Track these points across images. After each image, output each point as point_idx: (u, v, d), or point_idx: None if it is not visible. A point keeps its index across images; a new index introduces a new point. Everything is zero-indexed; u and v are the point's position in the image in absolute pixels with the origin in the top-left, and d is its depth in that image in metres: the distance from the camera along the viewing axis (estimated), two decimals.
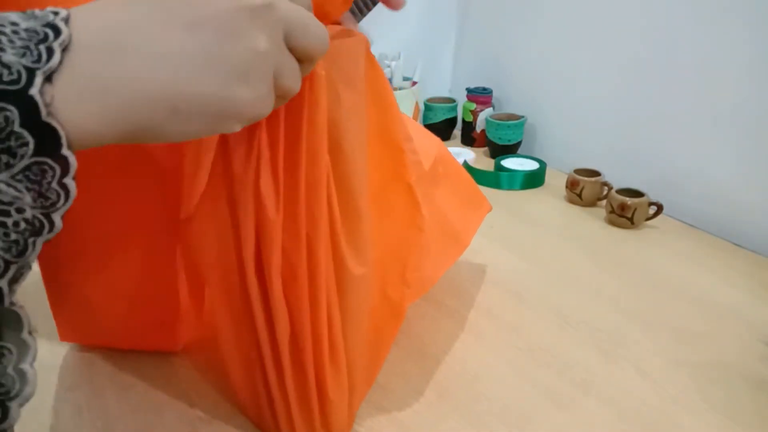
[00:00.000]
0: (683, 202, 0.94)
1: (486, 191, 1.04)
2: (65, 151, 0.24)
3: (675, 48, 0.92)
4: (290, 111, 0.39)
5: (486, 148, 1.22)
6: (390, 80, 1.19)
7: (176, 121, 0.29)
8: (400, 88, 1.20)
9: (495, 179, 1.05)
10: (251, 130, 0.39)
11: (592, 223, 0.93)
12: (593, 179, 0.97)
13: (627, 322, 0.68)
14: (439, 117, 1.28)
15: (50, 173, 0.24)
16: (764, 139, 0.83)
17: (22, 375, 0.24)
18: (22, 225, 0.24)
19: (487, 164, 1.15)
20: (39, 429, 0.51)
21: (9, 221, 0.23)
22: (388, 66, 1.19)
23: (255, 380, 0.48)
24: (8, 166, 0.23)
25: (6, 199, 0.23)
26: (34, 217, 0.24)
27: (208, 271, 0.47)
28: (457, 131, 1.32)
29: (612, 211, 0.91)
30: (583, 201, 0.98)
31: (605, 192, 0.97)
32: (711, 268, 0.80)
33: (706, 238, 0.89)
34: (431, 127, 1.29)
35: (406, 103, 1.19)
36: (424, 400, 0.55)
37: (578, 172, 0.99)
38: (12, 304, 0.24)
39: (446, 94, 1.38)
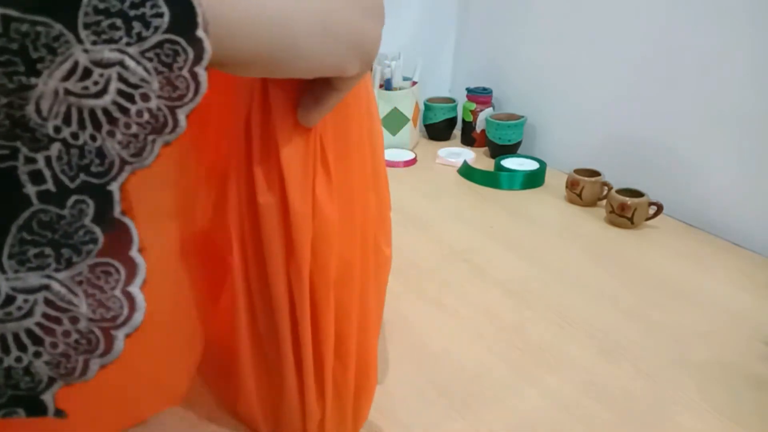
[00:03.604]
0: (683, 202, 0.94)
1: (486, 191, 1.04)
2: (200, 33, 0.22)
3: (675, 48, 0.92)
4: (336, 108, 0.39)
5: (486, 148, 1.22)
6: (390, 80, 1.19)
7: (319, 45, 0.29)
8: (400, 88, 1.20)
9: (495, 179, 1.05)
10: (307, 133, 0.38)
11: (592, 223, 0.93)
12: (593, 179, 0.96)
13: (627, 322, 0.68)
14: (439, 117, 1.28)
15: (182, 57, 0.22)
16: (764, 140, 0.83)
17: (130, 299, 0.22)
18: (145, 116, 0.22)
19: (487, 164, 1.15)
20: None
21: (133, 109, 0.21)
22: (388, 66, 1.18)
23: (260, 386, 0.47)
24: (140, 38, 0.21)
25: (133, 80, 0.21)
26: (158, 108, 0.22)
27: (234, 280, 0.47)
28: (457, 131, 1.32)
29: (612, 211, 0.91)
30: (583, 201, 0.98)
31: (605, 192, 0.97)
32: (711, 268, 0.80)
33: (706, 238, 0.89)
34: (431, 127, 1.29)
35: (406, 103, 1.19)
36: (425, 400, 0.55)
37: (578, 172, 0.99)
38: (122, 213, 0.22)
39: (446, 94, 1.38)
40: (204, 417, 0.52)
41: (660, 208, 0.92)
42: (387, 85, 1.19)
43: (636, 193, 0.91)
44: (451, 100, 1.30)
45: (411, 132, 1.21)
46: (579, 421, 0.53)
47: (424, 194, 1.01)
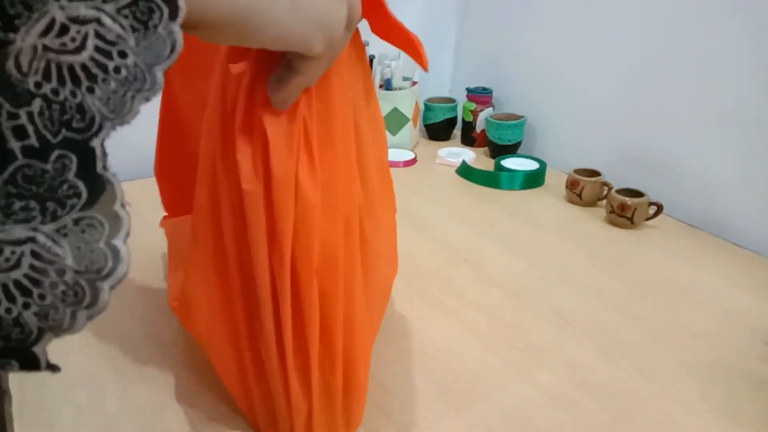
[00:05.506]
0: (683, 202, 0.94)
1: (486, 191, 1.04)
2: None
3: (675, 48, 0.92)
4: (320, 90, 0.40)
5: (486, 148, 1.22)
6: (390, 80, 1.19)
7: (287, 16, 0.31)
8: (400, 88, 1.20)
9: (495, 179, 1.05)
10: (292, 119, 0.39)
11: (592, 223, 0.93)
12: (593, 179, 0.96)
13: (627, 322, 0.68)
14: (439, 117, 1.28)
15: (157, 14, 0.23)
16: (764, 139, 0.83)
17: (114, 251, 0.23)
18: (123, 73, 0.22)
19: (487, 164, 1.15)
20: (39, 428, 0.51)
21: (110, 65, 0.22)
22: (389, 66, 1.18)
23: (259, 381, 0.47)
24: None
25: (110, 36, 0.22)
26: (135, 65, 0.23)
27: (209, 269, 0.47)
28: (457, 131, 1.32)
29: (612, 211, 0.91)
30: (583, 201, 0.98)
31: (605, 192, 0.97)
32: (711, 268, 0.80)
33: (706, 238, 0.89)
34: (431, 127, 1.29)
35: (406, 103, 1.19)
36: (424, 400, 0.55)
37: (578, 172, 0.99)
38: (104, 168, 0.22)
39: (446, 94, 1.38)
40: (204, 417, 0.52)
41: (660, 208, 0.92)
42: (387, 85, 1.19)
43: (636, 193, 0.91)
44: (451, 100, 1.30)
45: (411, 132, 1.21)
46: (579, 420, 0.53)
47: (424, 194, 1.01)
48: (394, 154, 1.16)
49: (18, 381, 0.55)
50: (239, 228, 0.42)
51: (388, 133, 1.20)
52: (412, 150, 1.21)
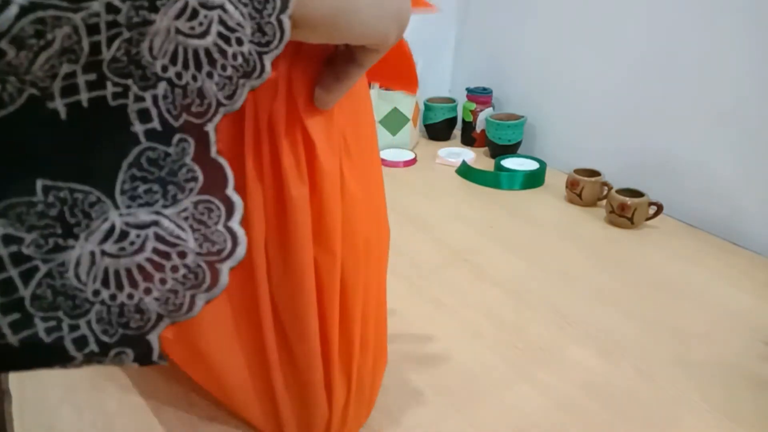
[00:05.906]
0: (683, 202, 0.94)
1: (486, 191, 1.04)
2: None
3: (675, 48, 0.92)
4: (349, 95, 0.41)
5: (486, 148, 1.22)
6: None
7: (374, 12, 0.32)
8: None
9: (495, 179, 1.05)
10: (329, 118, 0.40)
11: (592, 223, 0.93)
12: (593, 179, 0.97)
13: (627, 322, 0.68)
14: (439, 117, 1.28)
15: (271, 5, 0.24)
16: (765, 139, 0.83)
17: (232, 234, 0.24)
18: (239, 59, 0.24)
19: (487, 164, 1.15)
20: (39, 429, 0.51)
21: (229, 51, 0.23)
22: None
23: (288, 383, 0.47)
24: None
25: (231, 23, 0.23)
26: (249, 53, 0.24)
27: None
28: (457, 131, 1.32)
29: (612, 211, 0.91)
30: (583, 201, 0.98)
31: (605, 192, 0.97)
32: (711, 268, 0.80)
33: (706, 238, 0.89)
34: (431, 127, 1.29)
35: (406, 103, 1.19)
36: (424, 400, 0.55)
37: (578, 172, 0.99)
38: (217, 153, 0.23)
39: (446, 94, 1.38)
40: (204, 417, 0.52)
41: (660, 208, 0.92)
42: None
43: (636, 193, 0.91)
44: (451, 100, 1.30)
45: (411, 132, 1.21)
46: (579, 420, 0.53)
47: (424, 194, 1.01)
48: (394, 154, 1.16)
49: (18, 381, 0.55)
50: (271, 239, 0.42)
51: (388, 133, 1.20)
52: (412, 150, 1.21)
